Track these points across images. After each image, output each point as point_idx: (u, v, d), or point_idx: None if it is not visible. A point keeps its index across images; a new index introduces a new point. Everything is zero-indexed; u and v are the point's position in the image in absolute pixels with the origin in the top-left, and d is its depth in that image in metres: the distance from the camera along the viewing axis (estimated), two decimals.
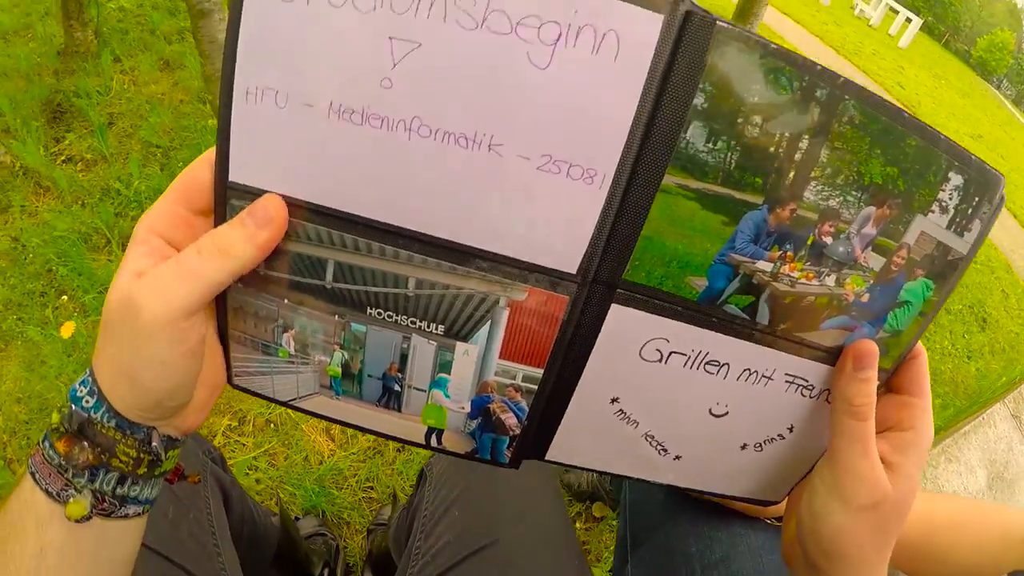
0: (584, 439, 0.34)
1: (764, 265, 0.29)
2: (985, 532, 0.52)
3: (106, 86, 1.80)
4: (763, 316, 0.30)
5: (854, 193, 0.28)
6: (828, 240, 0.29)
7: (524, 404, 0.32)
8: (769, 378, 0.32)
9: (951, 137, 0.29)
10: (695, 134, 0.26)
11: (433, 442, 0.34)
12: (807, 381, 0.32)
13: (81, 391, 0.28)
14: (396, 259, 0.28)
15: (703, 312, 0.30)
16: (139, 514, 0.30)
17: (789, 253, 0.29)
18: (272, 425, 1.13)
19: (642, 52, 0.24)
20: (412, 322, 0.30)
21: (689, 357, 0.31)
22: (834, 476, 0.32)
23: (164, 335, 0.26)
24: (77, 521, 0.28)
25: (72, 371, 1.15)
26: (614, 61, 0.24)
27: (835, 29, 8.62)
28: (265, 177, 0.27)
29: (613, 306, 0.29)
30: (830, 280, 0.30)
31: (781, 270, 0.29)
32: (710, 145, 0.26)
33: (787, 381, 0.32)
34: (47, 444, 0.28)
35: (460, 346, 0.31)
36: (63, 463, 0.28)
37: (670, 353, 0.31)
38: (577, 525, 1.13)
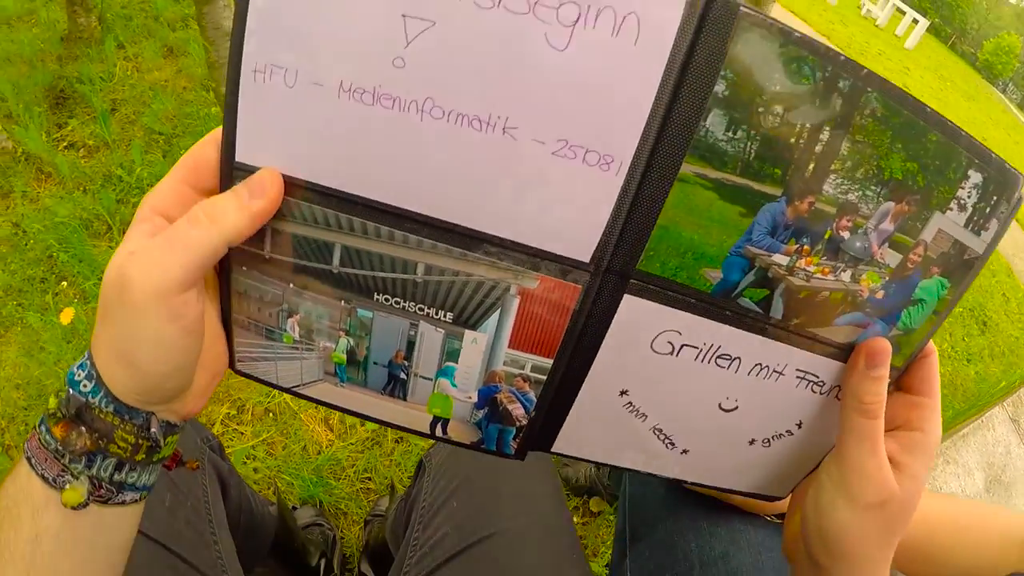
0: (591, 431, 0.34)
1: (780, 258, 0.28)
2: (984, 534, 0.52)
3: (109, 72, 1.79)
4: (777, 310, 0.30)
5: (873, 187, 0.28)
6: (846, 235, 0.28)
7: (532, 395, 0.32)
8: (780, 373, 0.32)
9: None
10: (715, 122, 0.25)
11: (438, 432, 0.34)
12: (818, 377, 0.32)
13: (79, 375, 0.27)
14: (405, 244, 0.28)
15: (717, 305, 0.29)
16: (136, 501, 0.30)
17: (806, 247, 0.28)
18: (271, 414, 1.13)
19: (663, 36, 0.23)
20: (420, 309, 0.30)
21: (701, 350, 0.30)
22: (841, 473, 0.31)
23: (157, 309, 0.25)
24: (74, 508, 0.27)
25: (71, 358, 1.14)
26: (634, 44, 0.23)
27: (841, 28, 8.58)
28: (272, 157, 0.26)
29: (626, 296, 0.28)
30: (846, 276, 0.29)
31: (797, 264, 0.29)
32: (730, 134, 0.26)
33: (798, 377, 0.32)
34: (44, 429, 0.28)
35: (469, 334, 0.30)
36: (60, 448, 0.27)
37: (682, 346, 0.30)
38: (574, 520, 1.12)
